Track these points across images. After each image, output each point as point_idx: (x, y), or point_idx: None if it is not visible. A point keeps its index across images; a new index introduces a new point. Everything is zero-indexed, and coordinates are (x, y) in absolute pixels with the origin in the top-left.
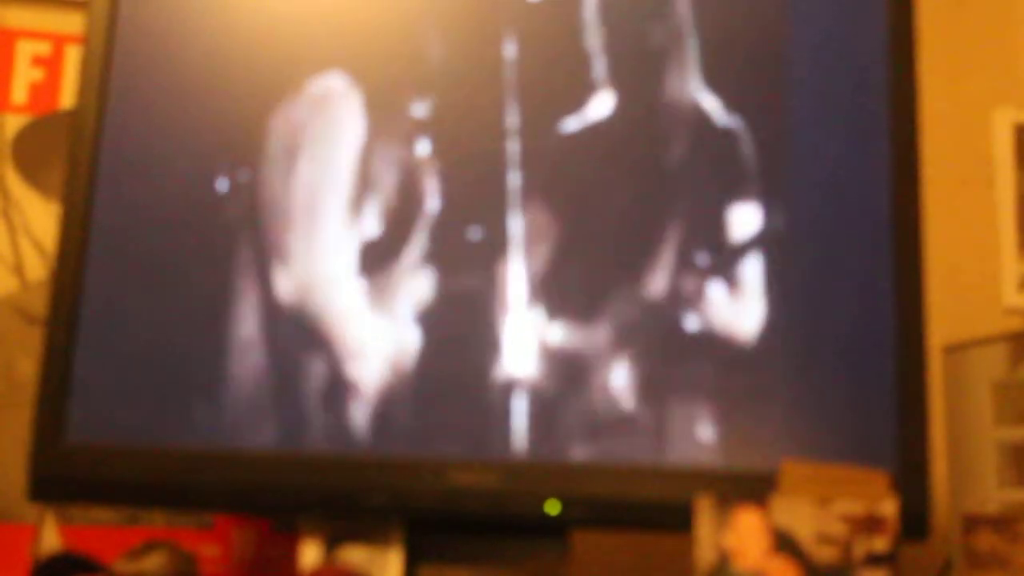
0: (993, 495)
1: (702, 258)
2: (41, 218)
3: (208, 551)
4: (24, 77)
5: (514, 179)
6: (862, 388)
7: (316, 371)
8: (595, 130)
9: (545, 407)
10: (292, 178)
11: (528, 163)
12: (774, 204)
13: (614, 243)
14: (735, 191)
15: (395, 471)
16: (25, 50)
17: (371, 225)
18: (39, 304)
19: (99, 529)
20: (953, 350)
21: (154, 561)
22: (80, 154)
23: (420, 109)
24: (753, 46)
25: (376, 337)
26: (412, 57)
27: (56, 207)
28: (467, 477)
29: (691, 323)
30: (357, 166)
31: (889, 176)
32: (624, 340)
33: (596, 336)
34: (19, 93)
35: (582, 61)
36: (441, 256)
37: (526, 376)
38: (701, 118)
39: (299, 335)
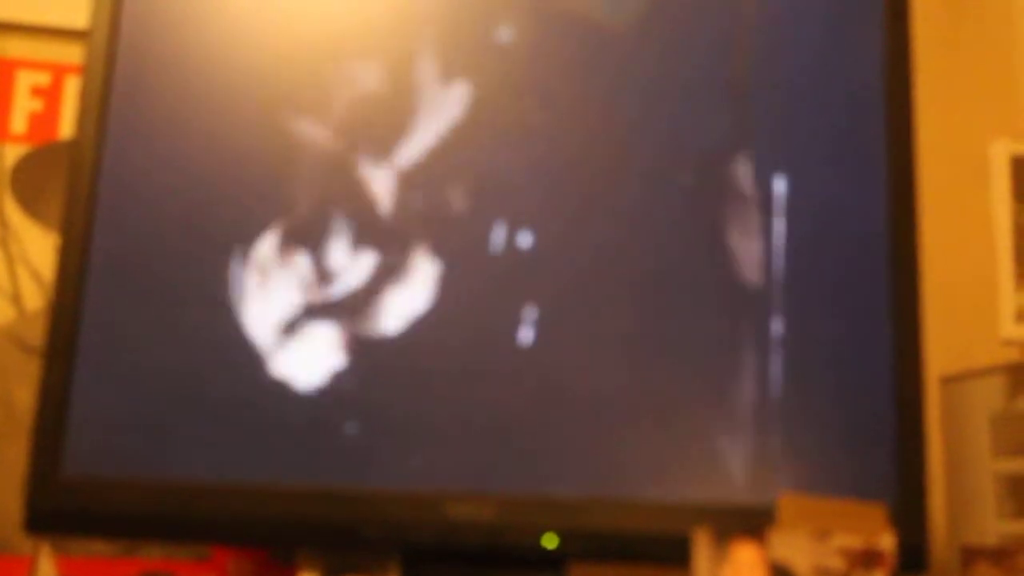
0: (992, 527)
1: (701, 291)
2: (39, 248)
3: None
4: (23, 107)
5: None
6: (860, 419)
7: (313, 403)
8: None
9: (543, 440)
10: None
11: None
12: (772, 237)
13: (615, 275)
14: (733, 222)
15: (392, 503)
16: (25, 80)
17: (371, 247)
18: (37, 334)
19: (96, 561)
20: (951, 381)
21: None
22: (79, 184)
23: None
24: (750, 74)
25: (374, 368)
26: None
27: (54, 237)
28: (464, 510)
29: (690, 358)
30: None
31: (886, 207)
32: (623, 373)
33: (594, 368)
34: (18, 123)
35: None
36: (440, 282)
37: (523, 408)
38: (703, 150)
39: (296, 367)
